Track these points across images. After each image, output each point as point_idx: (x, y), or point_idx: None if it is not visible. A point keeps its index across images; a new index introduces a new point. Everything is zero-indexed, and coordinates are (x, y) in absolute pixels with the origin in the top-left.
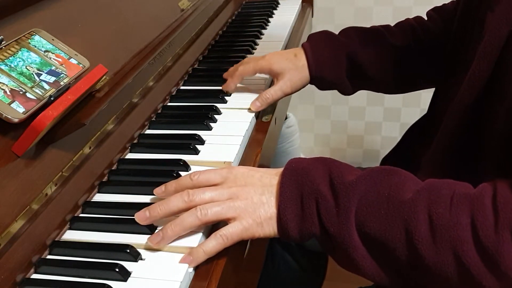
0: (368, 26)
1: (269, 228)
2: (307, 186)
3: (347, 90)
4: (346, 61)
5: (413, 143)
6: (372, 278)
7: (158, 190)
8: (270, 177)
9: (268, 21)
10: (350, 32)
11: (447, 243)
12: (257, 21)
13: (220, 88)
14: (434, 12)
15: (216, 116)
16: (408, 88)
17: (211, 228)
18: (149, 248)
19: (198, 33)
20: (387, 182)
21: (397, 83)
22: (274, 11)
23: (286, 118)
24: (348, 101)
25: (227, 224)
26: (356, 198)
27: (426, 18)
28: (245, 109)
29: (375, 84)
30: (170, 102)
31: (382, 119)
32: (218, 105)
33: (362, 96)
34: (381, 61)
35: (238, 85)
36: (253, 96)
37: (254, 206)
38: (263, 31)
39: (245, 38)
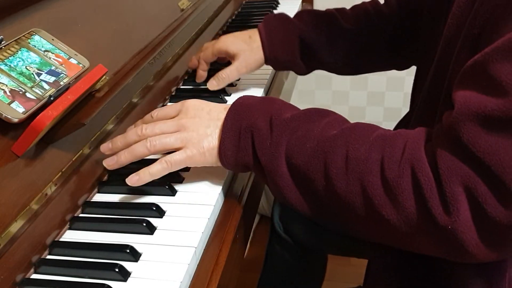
0: None
1: (212, 158)
2: (246, 120)
3: (301, 70)
4: (299, 43)
5: None
6: (295, 207)
7: (128, 128)
8: (218, 111)
9: None
10: (304, 15)
11: (357, 174)
12: (257, 21)
13: (220, 88)
14: None
15: None
16: (359, 70)
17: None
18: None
19: (198, 33)
20: (319, 121)
21: (348, 64)
22: (274, 11)
23: None
24: (348, 101)
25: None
26: (288, 133)
27: (382, 2)
28: None
29: (328, 65)
30: (170, 102)
31: (382, 118)
32: None
33: (362, 96)
34: (332, 43)
35: (240, 83)
36: (254, 94)
37: (199, 138)
38: None
39: None
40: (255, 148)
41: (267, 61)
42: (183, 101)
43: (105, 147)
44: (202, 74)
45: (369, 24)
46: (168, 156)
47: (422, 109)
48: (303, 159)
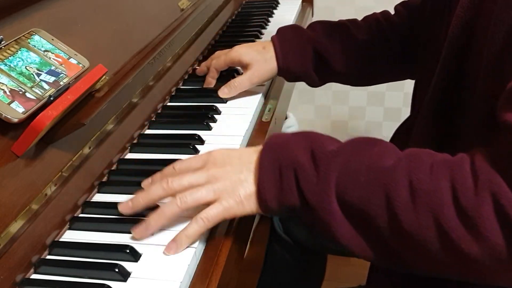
0: None
1: (250, 206)
2: (286, 158)
3: (314, 82)
4: (312, 54)
5: (400, 142)
6: (351, 249)
7: (145, 182)
8: (249, 155)
9: (268, 21)
10: (317, 26)
11: (427, 206)
12: (257, 21)
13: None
14: (402, 6)
15: (216, 116)
16: (373, 81)
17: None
18: (135, 239)
19: (198, 33)
20: (368, 151)
21: (362, 76)
22: (274, 11)
23: (286, 118)
24: (348, 101)
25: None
26: (337, 167)
27: (393, 13)
28: (245, 109)
29: (341, 77)
30: (170, 102)
31: (382, 119)
32: (218, 105)
33: (362, 96)
34: (346, 54)
35: None
36: (254, 95)
37: (233, 186)
38: (263, 31)
39: (245, 38)
40: (300, 187)
41: (279, 71)
42: (208, 151)
43: (124, 207)
44: (211, 81)
45: (381, 34)
46: (203, 212)
47: (428, 113)
48: (358, 194)
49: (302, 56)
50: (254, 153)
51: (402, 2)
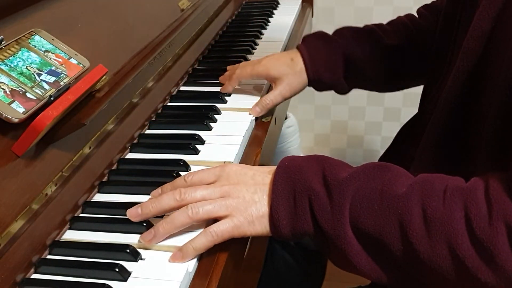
0: None
1: (261, 227)
2: (300, 184)
3: (343, 90)
4: (343, 62)
5: (405, 142)
6: (368, 275)
7: (155, 193)
8: (263, 176)
9: (268, 21)
10: (345, 32)
11: (442, 236)
12: (257, 21)
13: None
14: (425, 9)
15: (216, 116)
16: (403, 86)
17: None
18: (142, 247)
19: (198, 33)
20: (380, 178)
21: (392, 81)
22: (274, 11)
23: (286, 118)
24: (348, 101)
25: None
26: (350, 194)
27: (417, 16)
28: (245, 109)
29: (371, 83)
30: (170, 102)
31: (382, 119)
32: (218, 105)
33: (362, 96)
34: (376, 60)
35: (240, 84)
36: (253, 96)
37: (245, 205)
38: (263, 31)
39: (245, 38)
40: (314, 214)
41: (310, 83)
42: (221, 165)
43: (133, 213)
44: (229, 89)
45: (410, 39)
46: (214, 226)
47: (443, 113)
48: (372, 222)
49: (332, 65)
50: (268, 174)
51: (424, 5)
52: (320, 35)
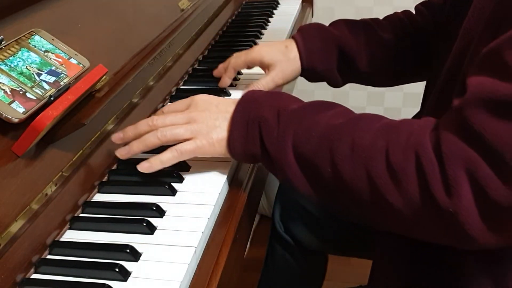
0: None
1: (220, 149)
2: (254, 113)
3: (336, 82)
4: (337, 53)
5: None
6: (303, 193)
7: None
8: (227, 105)
9: (268, 21)
10: (341, 24)
11: (362, 160)
12: (257, 21)
13: (220, 88)
14: (423, 6)
15: None
16: (396, 81)
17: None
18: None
19: (198, 33)
20: (325, 112)
21: (385, 75)
22: (274, 11)
23: None
24: (348, 101)
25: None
26: (295, 123)
27: (414, 12)
28: None
29: (365, 76)
30: (170, 102)
31: None
32: None
33: (362, 96)
34: (371, 53)
35: (239, 83)
36: None
37: (208, 129)
38: (263, 31)
39: (245, 38)
40: (263, 139)
41: (303, 71)
42: (192, 96)
43: (116, 137)
44: (227, 81)
45: (406, 34)
46: (179, 145)
47: (434, 106)
48: (309, 147)
49: (326, 55)
50: (231, 104)
51: (423, 1)
52: (316, 25)
